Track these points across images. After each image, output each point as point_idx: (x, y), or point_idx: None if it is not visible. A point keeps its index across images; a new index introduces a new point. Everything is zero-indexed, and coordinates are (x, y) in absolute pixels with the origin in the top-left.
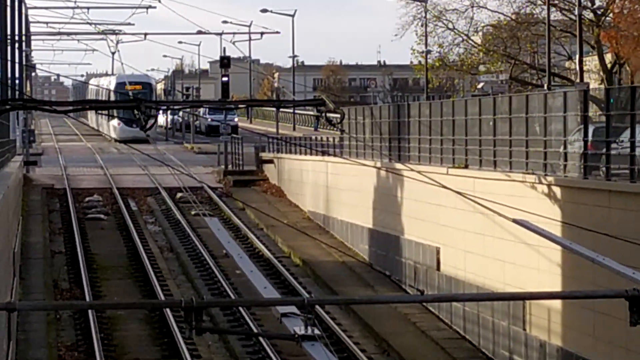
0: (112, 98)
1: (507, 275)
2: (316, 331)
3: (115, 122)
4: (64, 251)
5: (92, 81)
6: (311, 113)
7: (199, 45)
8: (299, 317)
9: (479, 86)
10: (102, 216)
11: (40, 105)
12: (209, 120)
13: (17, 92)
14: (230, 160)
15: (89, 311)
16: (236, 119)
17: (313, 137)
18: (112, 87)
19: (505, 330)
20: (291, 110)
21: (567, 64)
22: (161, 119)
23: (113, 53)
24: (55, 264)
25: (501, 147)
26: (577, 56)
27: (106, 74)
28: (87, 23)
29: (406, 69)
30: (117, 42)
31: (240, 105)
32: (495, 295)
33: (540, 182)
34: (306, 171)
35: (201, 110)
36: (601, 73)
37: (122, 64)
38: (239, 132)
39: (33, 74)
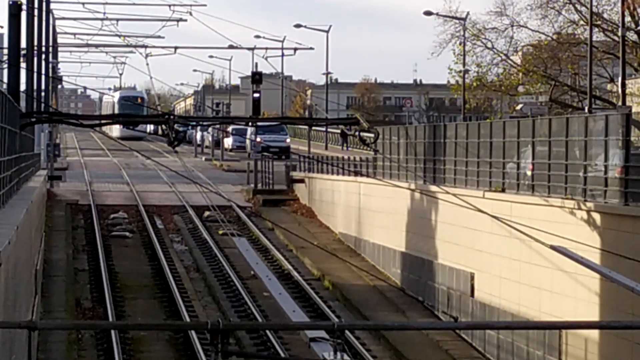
0: (116, 107)
1: (543, 303)
2: (345, 357)
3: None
4: (87, 269)
5: (105, 96)
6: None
7: (230, 60)
8: (328, 342)
9: (518, 108)
10: (127, 234)
11: (66, 118)
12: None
13: (42, 105)
14: (260, 179)
15: (112, 332)
16: (288, 140)
17: (346, 157)
18: (116, 100)
19: None
20: (323, 129)
21: (609, 86)
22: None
23: (121, 74)
24: (78, 282)
25: (540, 171)
26: (620, 78)
27: (115, 89)
28: (116, 35)
29: (443, 88)
30: (147, 56)
31: (271, 123)
32: (530, 324)
33: (580, 208)
34: (338, 192)
35: (248, 130)
36: None
37: (151, 77)
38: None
39: (59, 86)
